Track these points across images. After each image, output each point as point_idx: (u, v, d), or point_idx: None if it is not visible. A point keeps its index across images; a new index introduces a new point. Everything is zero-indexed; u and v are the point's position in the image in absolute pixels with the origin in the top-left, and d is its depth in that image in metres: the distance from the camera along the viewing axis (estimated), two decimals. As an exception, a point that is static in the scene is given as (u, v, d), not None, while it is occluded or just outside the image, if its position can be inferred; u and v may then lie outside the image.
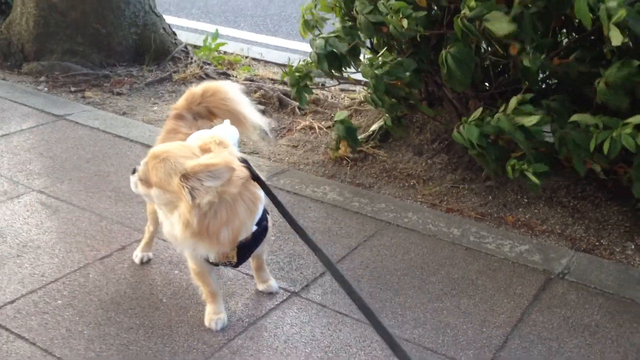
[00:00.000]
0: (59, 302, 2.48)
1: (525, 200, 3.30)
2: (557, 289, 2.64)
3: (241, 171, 2.07)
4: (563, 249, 2.92)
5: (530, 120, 2.75)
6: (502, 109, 2.90)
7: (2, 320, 2.36)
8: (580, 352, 2.28)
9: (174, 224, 2.06)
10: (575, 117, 2.76)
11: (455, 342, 2.32)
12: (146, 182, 2.09)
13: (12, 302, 2.46)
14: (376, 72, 3.17)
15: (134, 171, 2.16)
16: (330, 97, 4.74)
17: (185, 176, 1.97)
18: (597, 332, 2.39)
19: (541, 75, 3.13)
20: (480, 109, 2.97)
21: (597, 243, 2.96)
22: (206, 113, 2.55)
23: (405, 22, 2.98)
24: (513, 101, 2.88)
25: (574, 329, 2.41)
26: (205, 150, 2.07)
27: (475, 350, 2.29)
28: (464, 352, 2.28)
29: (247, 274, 2.66)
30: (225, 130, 2.26)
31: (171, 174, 1.99)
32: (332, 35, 3.49)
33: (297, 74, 3.70)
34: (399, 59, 3.23)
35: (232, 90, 2.56)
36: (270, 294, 2.58)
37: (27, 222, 3.01)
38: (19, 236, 2.89)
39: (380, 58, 3.22)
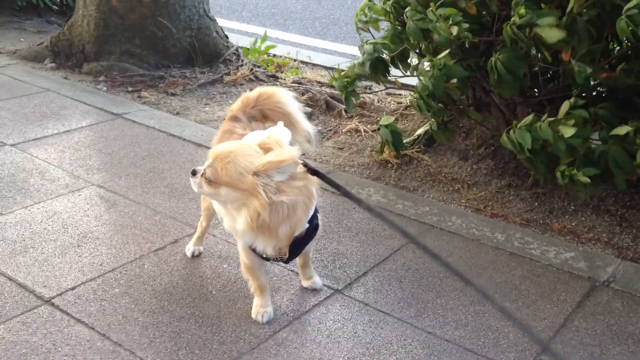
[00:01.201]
0: (116, 290, 2.62)
1: (572, 207, 3.28)
2: (601, 296, 2.63)
3: (301, 167, 2.17)
4: (609, 257, 2.90)
5: (569, 132, 2.74)
6: (545, 116, 2.90)
7: (63, 305, 2.52)
8: (623, 359, 2.28)
9: (236, 219, 2.17)
10: (615, 131, 2.74)
11: (496, 345, 2.35)
12: (215, 182, 2.18)
13: (73, 288, 2.62)
14: (435, 72, 3.18)
15: (194, 173, 2.27)
16: (376, 101, 4.80)
17: (257, 173, 2.07)
18: (641, 341, 2.38)
19: (592, 83, 3.11)
20: (531, 115, 2.98)
21: (644, 252, 2.93)
22: (260, 116, 2.66)
23: (454, 30, 3.01)
24: (565, 106, 2.87)
25: (618, 336, 2.40)
26: (265, 149, 2.17)
27: (516, 353, 2.31)
28: (505, 354, 2.30)
29: (292, 271, 2.75)
30: (279, 131, 2.36)
31: (242, 173, 2.09)
32: (381, 41, 3.55)
33: (345, 79, 3.78)
34: (452, 61, 3.25)
35: (285, 95, 2.67)
36: (315, 291, 2.66)
37: (87, 214, 3.19)
38: (79, 227, 3.06)
39: (438, 60, 3.25)
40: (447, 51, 3.25)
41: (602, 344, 2.36)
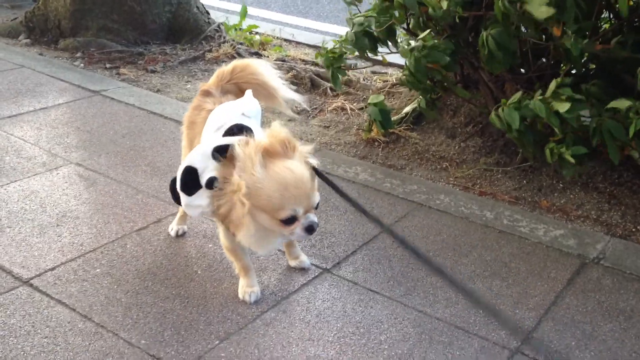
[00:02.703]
0: (98, 270, 2.54)
1: (561, 185, 3.26)
2: (592, 273, 2.61)
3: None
4: (598, 235, 2.89)
5: (564, 107, 2.71)
6: (538, 93, 2.86)
7: (42, 286, 2.43)
8: (615, 336, 2.27)
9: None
10: (613, 104, 2.71)
11: (488, 322, 2.32)
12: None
13: (53, 269, 2.53)
14: (415, 54, 3.14)
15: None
16: (362, 79, 4.72)
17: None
18: (632, 316, 2.37)
19: (584, 57, 3.08)
20: (520, 93, 2.93)
21: (633, 229, 2.92)
22: (236, 90, 2.56)
23: (444, 4, 2.95)
24: (553, 84, 2.84)
25: (609, 313, 2.39)
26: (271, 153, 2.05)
27: (507, 331, 2.28)
28: (496, 332, 2.28)
29: (279, 250, 2.69)
30: (247, 101, 2.31)
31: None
32: (370, 13, 3.47)
33: (331, 55, 3.69)
34: (435, 41, 3.19)
35: (261, 65, 2.58)
36: (302, 270, 2.61)
37: (66, 193, 3.08)
38: (58, 206, 2.96)
39: (419, 40, 3.19)
40: (427, 31, 3.19)
41: (593, 320, 2.35)
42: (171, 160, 3.42)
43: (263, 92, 2.58)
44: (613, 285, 2.54)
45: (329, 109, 4.31)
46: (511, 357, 2.17)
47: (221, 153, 2.09)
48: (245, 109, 2.30)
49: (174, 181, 2.26)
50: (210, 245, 2.74)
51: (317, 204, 2.12)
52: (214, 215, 2.20)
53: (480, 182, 3.37)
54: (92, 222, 2.85)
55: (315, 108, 4.36)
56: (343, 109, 4.29)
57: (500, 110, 2.95)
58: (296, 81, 4.66)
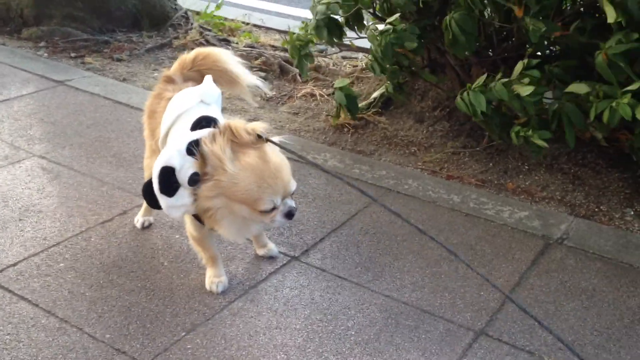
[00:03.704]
0: (61, 265, 2.50)
1: (526, 167, 3.29)
2: (555, 254, 2.65)
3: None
4: (562, 215, 2.93)
5: (525, 90, 2.73)
6: (499, 76, 2.87)
7: (4, 282, 2.39)
8: (577, 315, 2.31)
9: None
10: (571, 88, 2.74)
11: (453, 305, 2.35)
12: None
13: (15, 264, 2.48)
14: (385, 38, 3.12)
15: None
16: (331, 64, 4.70)
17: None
18: (594, 295, 2.41)
19: (545, 42, 3.09)
20: (484, 76, 2.95)
21: (596, 209, 2.97)
22: (199, 77, 2.52)
23: (408, -11, 2.94)
24: (519, 66, 2.85)
25: (572, 292, 2.43)
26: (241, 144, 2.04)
27: (472, 312, 2.31)
28: (462, 314, 2.31)
29: (247, 239, 2.68)
30: (207, 87, 2.28)
31: None
32: (334, 0, 3.44)
33: (297, 42, 3.66)
34: (403, 25, 3.18)
35: (223, 53, 2.56)
36: (271, 258, 2.60)
37: (29, 186, 3.02)
38: (20, 200, 2.90)
39: (388, 25, 3.17)
40: (397, 15, 3.17)
41: (557, 300, 2.39)
42: (137, 151, 3.37)
43: (226, 78, 2.56)
44: (576, 264, 2.59)
45: (298, 95, 4.28)
46: (476, 338, 2.20)
47: (193, 148, 2.03)
48: (203, 95, 2.27)
49: (148, 185, 2.12)
50: (177, 236, 2.71)
51: (295, 190, 2.13)
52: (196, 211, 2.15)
53: (447, 165, 3.38)
54: (56, 216, 2.80)
55: (285, 95, 4.33)
56: (312, 95, 4.27)
57: (465, 94, 2.96)
58: (265, 68, 4.62)
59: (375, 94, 3.99)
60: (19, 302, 2.29)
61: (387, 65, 3.28)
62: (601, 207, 2.98)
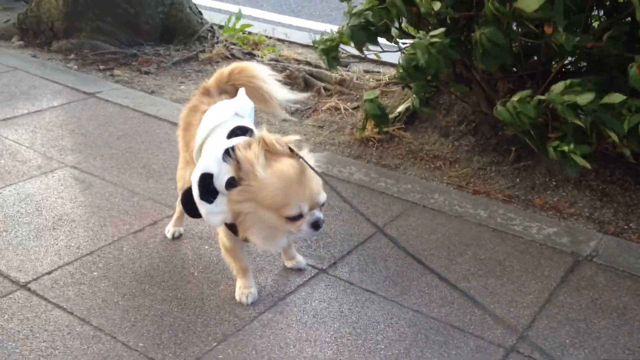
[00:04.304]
0: (95, 273, 2.55)
1: (554, 183, 3.29)
2: (585, 271, 2.64)
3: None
4: (591, 232, 2.92)
5: (584, 99, 2.71)
6: (557, 87, 2.83)
7: (39, 290, 2.43)
8: (608, 333, 2.30)
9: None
10: (607, 99, 2.73)
11: (483, 322, 2.35)
12: None
13: (50, 272, 2.53)
14: (432, 48, 3.11)
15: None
16: (355, 79, 4.74)
17: None
18: (625, 313, 2.40)
19: (570, 59, 3.10)
20: (529, 91, 2.93)
21: (625, 227, 2.95)
22: (233, 91, 2.59)
23: (436, 5, 2.96)
24: (560, 85, 2.83)
25: (602, 310, 2.41)
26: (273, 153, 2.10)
27: (502, 329, 2.31)
28: (492, 331, 2.30)
29: (277, 250, 2.70)
30: (241, 100, 2.34)
31: None
32: (367, 7, 3.49)
33: (328, 42, 3.71)
34: (447, 39, 3.18)
35: (258, 69, 2.61)
36: (299, 271, 2.62)
37: (62, 196, 3.08)
38: (54, 209, 2.96)
39: (429, 37, 3.19)
40: (443, 29, 3.19)
41: (588, 318, 2.37)
42: (166, 162, 3.43)
43: (258, 95, 2.61)
44: (606, 282, 2.57)
45: (322, 108, 4.32)
46: (506, 355, 2.20)
47: (229, 154, 2.09)
48: (238, 108, 2.34)
49: (188, 193, 2.18)
50: (206, 247, 2.75)
51: (323, 203, 2.14)
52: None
53: (474, 180, 3.39)
54: (89, 225, 2.86)
55: (309, 108, 4.37)
56: (337, 108, 4.31)
57: (509, 104, 2.94)
58: (290, 81, 4.67)
59: (400, 108, 4.01)
60: (54, 309, 2.34)
61: (420, 77, 3.29)
62: (630, 225, 2.96)
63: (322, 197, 2.14)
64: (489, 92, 3.52)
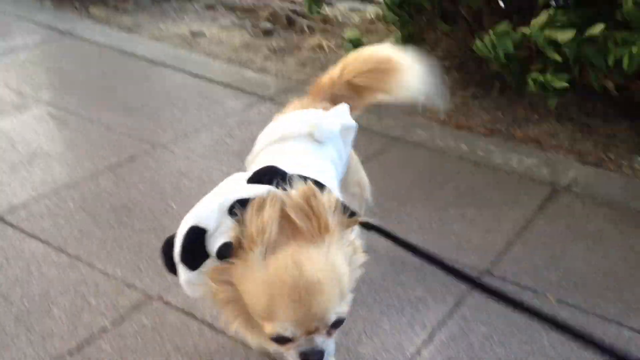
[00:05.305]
0: (71, 205, 2.52)
1: (536, 117, 3.27)
2: (563, 199, 2.65)
3: None
4: (571, 163, 2.92)
5: (565, 35, 2.66)
6: (536, 20, 2.77)
7: (15, 221, 2.42)
8: (582, 257, 2.32)
9: None
10: (589, 32, 2.68)
11: (459, 247, 2.36)
12: None
13: (25, 205, 2.51)
14: None
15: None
16: (339, 16, 4.63)
17: None
18: (600, 238, 2.42)
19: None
20: (506, 23, 2.88)
21: (605, 157, 2.95)
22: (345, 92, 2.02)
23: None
24: (542, 17, 2.78)
25: (578, 236, 2.44)
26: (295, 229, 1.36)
27: (478, 254, 2.33)
28: (468, 256, 2.32)
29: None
30: (327, 118, 1.75)
31: None
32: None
33: None
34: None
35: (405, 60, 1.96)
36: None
37: (37, 132, 3.03)
38: (29, 145, 2.92)
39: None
40: None
41: (563, 243, 2.39)
42: (144, 99, 3.37)
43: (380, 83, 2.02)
44: (583, 210, 2.59)
45: (306, 46, 4.24)
46: (480, 277, 2.22)
47: (243, 206, 1.38)
48: (318, 127, 1.67)
49: (169, 244, 1.49)
50: (185, 181, 2.73)
51: (338, 322, 1.37)
52: None
53: (456, 115, 3.36)
54: (65, 160, 2.82)
55: (292, 46, 4.28)
56: (320, 46, 4.22)
57: (487, 37, 2.90)
58: (272, 19, 4.56)
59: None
60: (29, 240, 2.32)
61: (400, 13, 3.23)
62: (609, 155, 2.96)
63: (331, 317, 1.34)
64: (474, 27, 3.45)
